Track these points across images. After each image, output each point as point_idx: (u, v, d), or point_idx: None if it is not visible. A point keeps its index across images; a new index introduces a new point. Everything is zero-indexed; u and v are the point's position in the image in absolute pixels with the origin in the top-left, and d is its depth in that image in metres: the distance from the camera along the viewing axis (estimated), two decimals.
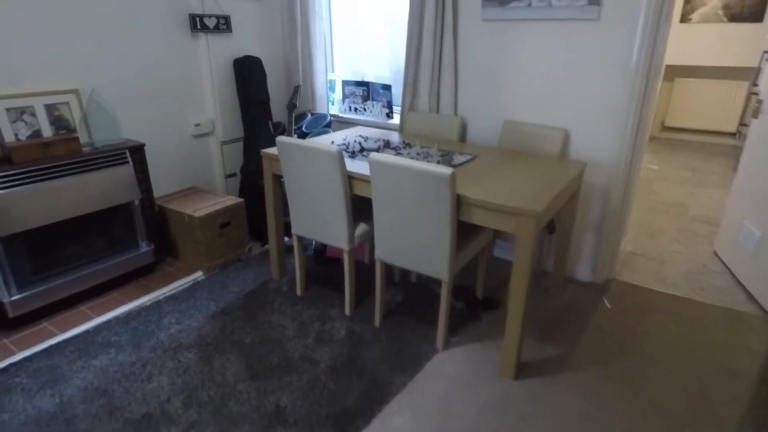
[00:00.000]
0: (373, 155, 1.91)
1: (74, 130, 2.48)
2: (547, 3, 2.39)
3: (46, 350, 2.12)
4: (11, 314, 2.20)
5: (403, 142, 2.63)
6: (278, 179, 2.53)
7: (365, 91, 3.38)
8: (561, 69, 2.47)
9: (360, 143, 2.58)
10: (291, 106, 3.07)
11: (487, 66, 2.69)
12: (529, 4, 2.45)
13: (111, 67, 2.59)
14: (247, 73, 3.17)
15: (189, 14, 2.86)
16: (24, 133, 2.31)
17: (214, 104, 3.13)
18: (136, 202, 2.63)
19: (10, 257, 2.21)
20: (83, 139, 2.50)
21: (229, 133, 3.25)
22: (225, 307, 2.45)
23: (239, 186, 3.29)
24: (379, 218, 2.04)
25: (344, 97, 3.49)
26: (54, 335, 2.21)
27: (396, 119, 3.22)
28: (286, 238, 2.76)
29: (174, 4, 2.79)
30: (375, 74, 3.47)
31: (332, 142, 2.59)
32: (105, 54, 2.56)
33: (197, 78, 3.04)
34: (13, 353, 2.09)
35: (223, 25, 3.01)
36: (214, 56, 3.04)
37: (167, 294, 2.58)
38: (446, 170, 1.74)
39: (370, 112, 3.35)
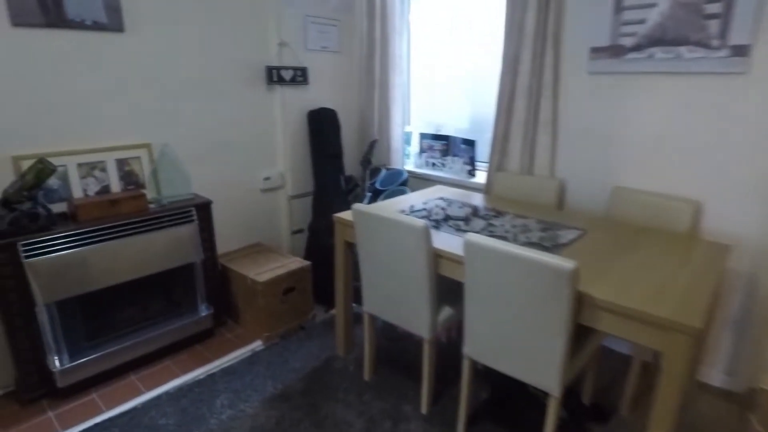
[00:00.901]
0: (471, 236, 1.58)
1: (143, 186, 2.37)
2: (674, 54, 2.02)
3: (91, 429, 1.90)
4: (60, 384, 2.03)
5: (494, 209, 2.29)
6: (350, 246, 2.26)
7: (445, 145, 3.11)
8: (692, 130, 2.05)
9: (443, 209, 2.27)
10: (365, 162, 2.85)
11: (594, 124, 2.33)
12: (651, 56, 2.08)
13: (184, 122, 2.50)
14: (321, 126, 3.01)
15: (266, 66, 2.75)
16: (93, 188, 2.22)
17: (285, 157, 2.97)
18: (199, 262, 2.45)
19: (65, 322, 2.06)
20: (151, 194, 2.38)
21: (299, 188, 3.06)
22: (284, 390, 2.16)
23: (306, 243, 3.07)
24: (472, 310, 1.69)
25: (421, 151, 3.23)
26: (100, 412, 2.00)
27: (479, 178, 2.90)
28: (354, 305, 2.46)
29: (252, 56, 2.69)
30: (454, 126, 3.19)
31: (411, 208, 2.30)
32: (179, 109, 2.47)
33: (270, 131, 2.90)
34: None
35: (300, 77, 2.89)
36: (289, 108, 2.90)
37: (223, 366, 2.33)
38: (566, 264, 1.37)
39: (450, 168, 3.06)
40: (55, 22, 1.98)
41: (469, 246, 1.58)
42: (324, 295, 2.92)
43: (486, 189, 2.69)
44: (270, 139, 2.91)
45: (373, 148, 2.89)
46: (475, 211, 2.23)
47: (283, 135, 2.93)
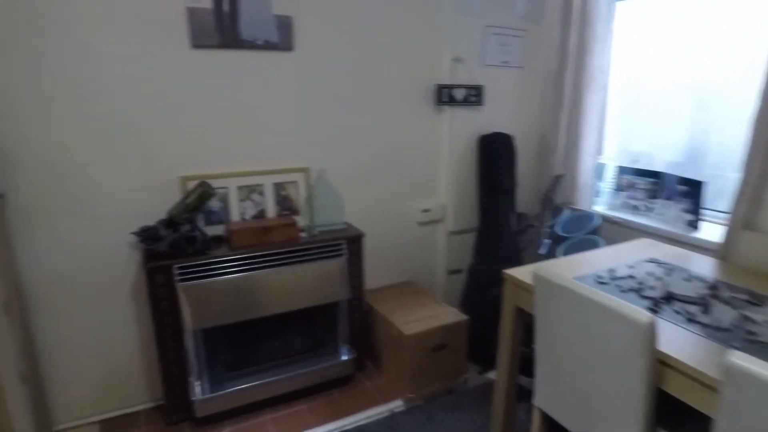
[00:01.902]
0: (744, 365, 0.97)
1: (297, 211, 2.24)
2: None
3: None
4: (198, 413, 1.96)
5: (745, 289, 1.56)
6: (522, 313, 1.77)
7: (653, 183, 2.39)
8: None
9: (660, 279, 1.63)
10: (547, 200, 2.32)
11: None
12: None
13: (343, 146, 2.31)
14: (494, 154, 2.57)
15: (436, 85, 2.43)
16: (250, 212, 2.14)
17: (448, 188, 2.61)
18: (345, 300, 2.22)
19: (209, 350, 2.00)
20: (304, 221, 2.23)
21: (461, 223, 2.67)
22: None
23: (463, 288, 2.65)
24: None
25: (618, 188, 2.56)
26: None
27: (706, 233, 2.12)
28: (520, 376, 1.95)
29: (421, 74, 2.40)
30: (663, 159, 2.44)
31: (611, 273, 1.71)
32: (339, 132, 2.29)
33: (434, 157, 2.57)
34: None
35: (474, 96, 2.50)
36: (457, 133, 2.54)
37: (358, 423, 2.04)
38: None
39: (660, 216, 2.33)
40: (229, 42, 1.94)
41: (738, 376, 0.97)
42: (479, 353, 2.45)
43: (723, 253, 1.92)
44: (433, 167, 2.58)
45: (557, 185, 2.34)
46: (713, 290, 1.54)
47: (448, 162, 2.57)
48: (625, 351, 1.22)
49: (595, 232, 2.38)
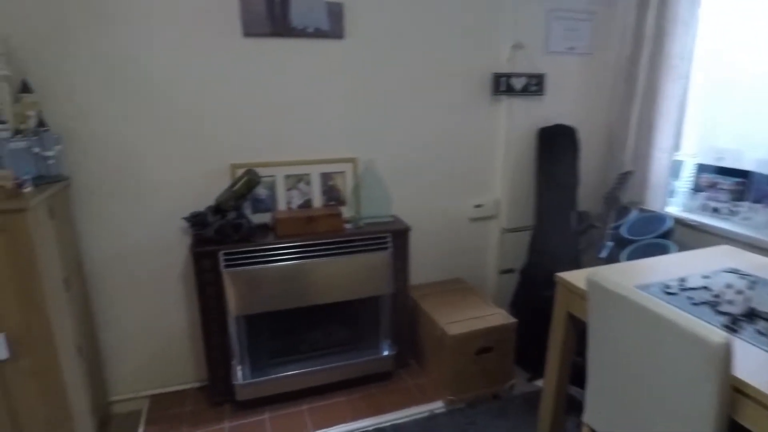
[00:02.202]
0: None
1: (343, 202, 2.20)
2: None
3: None
4: (239, 397, 2.00)
5: None
6: (574, 320, 1.63)
7: (740, 184, 2.12)
8: None
9: (741, 293, 1.43)
10: (612, 199, 2.13)
11: None
12: None
13: (392, 136, 2.24)
14: (554, 147, 2.40)
15: (493, 74, 2.29)
16: (296, 201, 2.14)
17: (503, 183, 2.47)
18: (388, 295, 2.16)
19: (251, 337, 2.02)
20: (350, 212, 2.20)
21: (515, 220, 2.52)
22: None
23: (515, 289, 2.51)
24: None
25: (697, 189, 2.30)
26: None
27: None
28: (570, 386, 1.80)
29: (478, 62, 2.28)
30: (755, 157, 2.15)
31: (681, 283, 1.52)
32: (389, 122, 2.22)
33: (489, 150, 2.44)
34: None
35: (534, 86, 2.34)
36: (515, 124, 2.39)
37: (395, 422, 1.98)
38: None
39: (748, 221, 2.06)
40: (280, 30, 1.93)
41: None
42: (529, 359, 2.31)
43: None
44: (487, 160, 2.45)
45: (625, 182, 2.14)
46: None
47: (504, 156, 2.43)
48: (694, 374, 1.06)
49: (666, 235, 2.15)
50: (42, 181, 1.66)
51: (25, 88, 1.67)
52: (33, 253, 1.47)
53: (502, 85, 2.30)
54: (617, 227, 2.24)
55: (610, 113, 2.55)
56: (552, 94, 2.39)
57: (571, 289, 1.57)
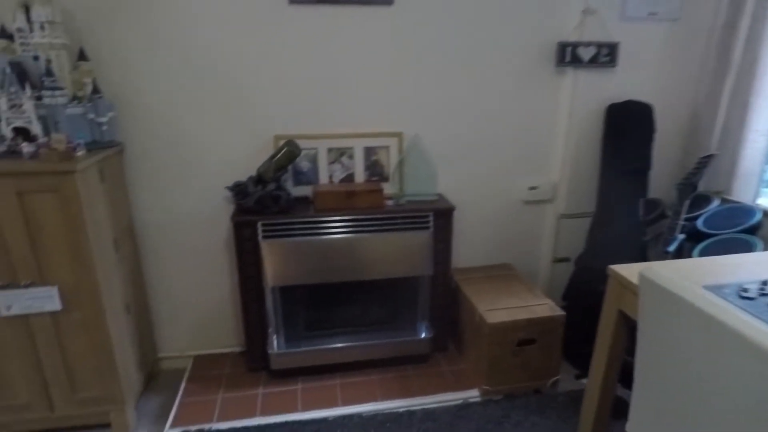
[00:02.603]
0: None
1: (387, 178, 2.13)
2: None
3: (281, 426, 1.82)
4: (273, 366, 2.03)
5: None
6: (626, 318, 1.45)
7: None
8: None
9: None
10: (687, 186, 1.88)
11: None
12: None
13: (441, 110, 2.12)
14: (625, 126, 2.15)
15: (558, 43, 2.08)
16: (338, 175, 2.10)
17: (562, 164, 2.27)
18: (427, 276, 2.08)
19: (287, 308, 2.04)
20: (393, 188, 2.12)
21: (574, 205, 2.31)
22: None
23: (569, 280, 2.32)
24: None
25: None
26: (295, 410, 1.90)
27: None
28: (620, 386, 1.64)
29: (540, 30, 2.07)
30: None
31: (739, 289, 1.30)
32: (439, 95, 2.09)
33: (548, 128, 2.24)
34: (253, 415, 1.87)
35: (605, 56, 2.09)
36: (580, 99, 2.16)
37: (426, 406, 1.93)
38: None
39: None
40: None
41: None
42: (579, 355, 2.15)
43: None
44: (546, 139, 2.26)
45: (705, 167, 1.87)
46: None
47: (565, 134, 2.22)
48: (764, 397, 0.89)
49: (752, 231, 1.87)
50: (95, 146, 1.74)
51: (82, 56, 1.74)
52: (81, 213, 1.55)
53: (568, 56, 2.07)
54: (692, 218, 1.98)
55: (697, 89, 2.24)
56: (625, 67, 2.13)
57: (625, 284, 1.40)
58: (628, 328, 1.48)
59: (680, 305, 1.06)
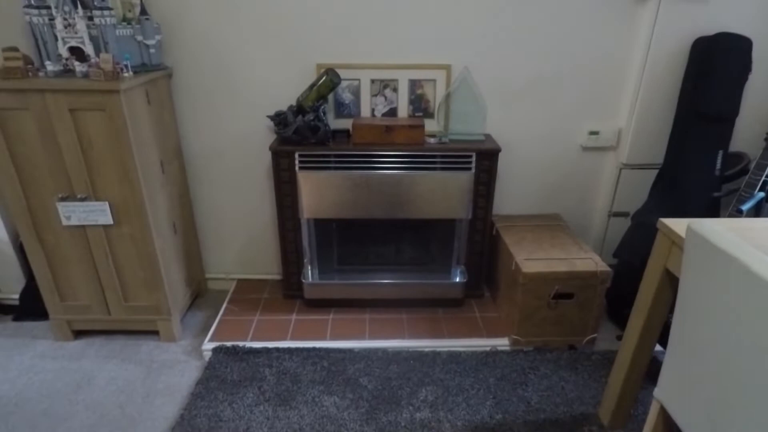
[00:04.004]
0: None
1: (431, 114, 2.02)
2: None
3: (309, 351, 1.89)
4: (307, 295, 2.10)
5: None
6: (672, 277, 1.31)
7: None
8: None
9: None
10: None
11: None
12: None
13: (497, 43, 1.93)
14: (712, 65, 1.85)
15: None
16: (381, 109, 2.02)
17: (630, 108, 2.02)
18: (466, 220, 2.00)
19: (321, 240, 2.06)
20: (438, 126, 2.02)
21: (639, 155, 2.08)
22: (497, 427, 1.58)
23: (624, 237, 2.14)
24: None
25: None
26: (323, 338, 1.97)
27: None
28: (659, 347, 1.53)
29: None
30: None
31: None
32: (495, 25, 1.90)
33: (619, 66, 1.99)
34: (284, 338, 1.96)
35: None
36: (662, 33, 1.88)
37: (452, 349, 1.92)
38: None
39: None
40: None
41: None
42: (624, 315, 2.01)
43: None
44: (615, 79, 2.01)
45: None
46: None
47: (638, 74, 1.96)
48: None
49: None
50: (143, 68, 1.79)
51: None
52: (127, 132, 1.62)
53: None
54: None
55: None
56: None
57: (674, 239, 1.25)
58: (673, 288, 1.34)
59: (729, 263, 0.92)
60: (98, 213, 1.75)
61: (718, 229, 0.99)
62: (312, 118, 1.86)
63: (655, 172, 2.06)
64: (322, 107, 1.89)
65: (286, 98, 1.98)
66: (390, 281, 2.08)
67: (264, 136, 2.07)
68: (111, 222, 1.76)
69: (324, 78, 1.83)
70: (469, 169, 1.89)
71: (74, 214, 1.74)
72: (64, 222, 1.76)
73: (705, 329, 1.01)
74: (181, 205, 2.08)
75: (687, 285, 1.07)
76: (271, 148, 1.88)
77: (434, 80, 1.97)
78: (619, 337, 2.01)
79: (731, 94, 1.87)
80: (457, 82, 1.96)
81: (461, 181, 1.90)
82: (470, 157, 1.88)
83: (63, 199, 1.72)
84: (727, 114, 1.89)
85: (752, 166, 1.83)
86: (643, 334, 1.43)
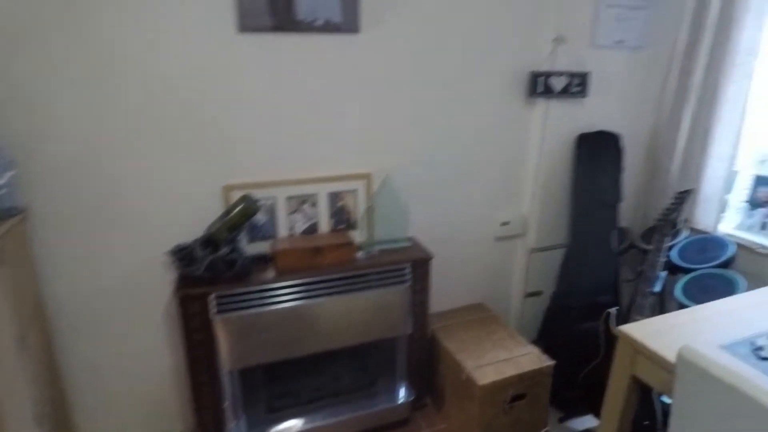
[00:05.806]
0: None
1: (354, 225, 1.89)
2: None
3: None
4: None
5: None
6: (638, 383, 1.35)
7: None
8: None
9: None
10: (668, 223, 1.83)
11: None
12: None
13: (411, 147, 1.92)
14: (596, 156, 2.09)
15: (530, 72, 1.96)
16: (300, 226, 1.82)
17: (533, 197, 2.16)
18: (405, 336, 1.88)
19: (246, 388, 1.74)
20: (362, 236, 1.89)
21: (545, 238, 2.22)
22: None
23: (544, 316, 2.24)
24: None
25: (754, 204, 2.02)
26: None
27: None
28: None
29: (511, 60, 1.94)
30: None
31: (754, 346, 1.24)
32: (407, 130, 1.89)
33: (519, 160, 2.12)
34: None
35: (577, 86, 2.00)
36: (551, 131, 2.06)
37: None
38: None
39: None
40: (283, 24, 1.57)
41: None
42: (560, 396, 2.06)
43: None
44: (517, 172, 2.14)
45: (683, 203, 1.85)
46: None
47: (536, 167, 2.12)
48: None
49: (725, 265, 1.87)
50: None
51: None
52: None
53: (540, 87, 1.96)
54: (668, 249, 1.96)
55: (659, 117, 2.23)
56: (595, 96, 2.06)
57: (636, 347, 1.29)
58: (639, 390, 1.39)
59: (735, 396, 0.94)
60: None
61: (704, 353, 1.03)
62: (228, 250, 1.58)
63: (560, 251, 2.21)
64: (237, 237, 1.62)
65: (186, 228, 1.66)
66: (331, 420, 1.81)
67: (156, 274, 1.69)
68: None
69: (240, 206, 1.58)
70: (405, 281, 1.79)
71: None
72: None
73: None
74: (49, 384, 1.56)
75: (683, 410, 1.09)
76: (177, 293, 1.53)
77: (355, 190, 1.86)
78: (561, 419, 2.05)
79: (613, 180, 2.13)
80: (379, 189, 1.87)
81: (398, 295, 1.79)
82: (405, 268, 1.78)
83: None
84: (613, 197, 2.13)
85: (637, 242, 2.08)
86: None
